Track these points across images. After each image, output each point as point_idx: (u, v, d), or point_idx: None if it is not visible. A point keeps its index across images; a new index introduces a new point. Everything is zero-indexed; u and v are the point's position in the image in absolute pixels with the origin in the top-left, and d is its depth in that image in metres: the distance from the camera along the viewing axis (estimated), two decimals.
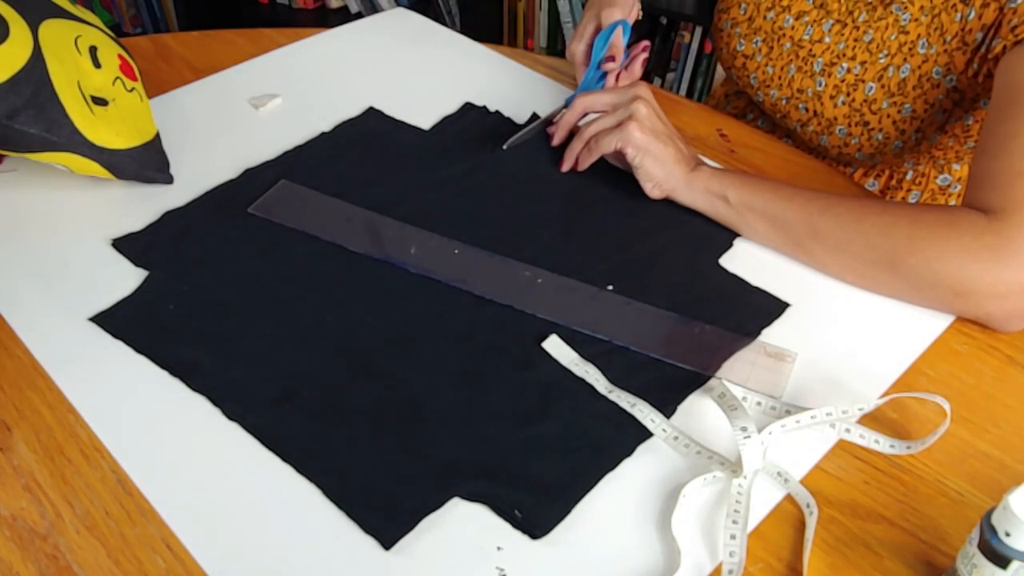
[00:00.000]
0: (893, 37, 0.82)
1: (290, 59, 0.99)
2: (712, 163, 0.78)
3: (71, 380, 0.61)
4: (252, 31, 1.05)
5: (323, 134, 0.85)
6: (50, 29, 0.74)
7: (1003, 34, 0.72)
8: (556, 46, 2.24)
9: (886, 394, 0.61)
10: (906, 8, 0.81)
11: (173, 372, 0.61)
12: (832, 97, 0.87)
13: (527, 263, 0.70)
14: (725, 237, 0.73)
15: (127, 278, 0.69)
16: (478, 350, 0.63)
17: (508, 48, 1.02)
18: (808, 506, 0.54)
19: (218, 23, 2.11)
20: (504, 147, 0.82)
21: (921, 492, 0.55)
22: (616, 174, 0.79)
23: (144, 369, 0.62)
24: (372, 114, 0.89)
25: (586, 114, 0.81)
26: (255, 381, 0.61)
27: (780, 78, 0.91)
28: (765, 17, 0.92)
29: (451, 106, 0.90)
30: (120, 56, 0.80)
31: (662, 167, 0.74)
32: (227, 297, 0.67)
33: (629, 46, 0.90)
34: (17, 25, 0.71)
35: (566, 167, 0.80)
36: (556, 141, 0.82)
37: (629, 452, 0.57)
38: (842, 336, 0.65)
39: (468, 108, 0.90)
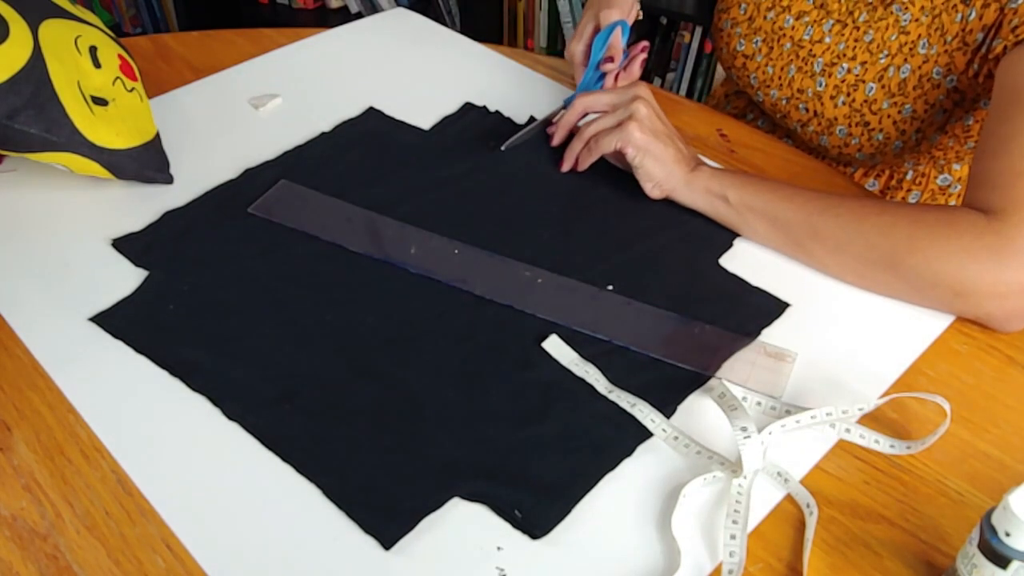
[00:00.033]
0: (893, 37, 0.82)
1: (290, 59, 0.99)
2: (712, 163, 0.78)
3: (71, 380, 0.61)
4: (252, 31, 1.05)
5: (323, 134, 0.85)
6: (50, 29, 0.74)
7: (1004, 34, 0.72)
8: (556, 46, 2.24)
9: (886, 394, 0.61)
10: (906, 8, 0.81)
11: (173, 372, 0.61)
12: (832, 97, 0.87)
13: (527, 263, 0.70)
14: (725, 237, 0.73)
15: (127, 278, 0.69)
16: (478, 350, 0.63)
17: (508, 48, 1.02)
18: (808, 506, 0.54)
19: (218, 23, 2.10)
20: (502, 148, 0.82)
21: (921, 492, 0.55)
22: (616, 174, 0.79)
23: (144, 369, 0.62)
24: (372, 114, 0.89)
25: (586, 114, 0.81)
26: (255, 381, 0.61)
27: (780, 78, 0.91)
28: (765, 17, 0.92)
29: (451, 106, 0.90)
30: (120, 56, 0.80)
31: (662, 167, 0.74)
32: (227, 297, 0.67)
33: (628, 46, 0.90)
34: (17, 25, 0.71)
35: (566, 167, 0.80)
36: (556, 141, 0.82)
37: (629, 452, 0.57)
38: (842, 336, 0.65)
39: (468, 108, 0.90)
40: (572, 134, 0.81)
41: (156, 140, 0.80)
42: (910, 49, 0.81)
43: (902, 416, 0.60)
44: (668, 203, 0.76)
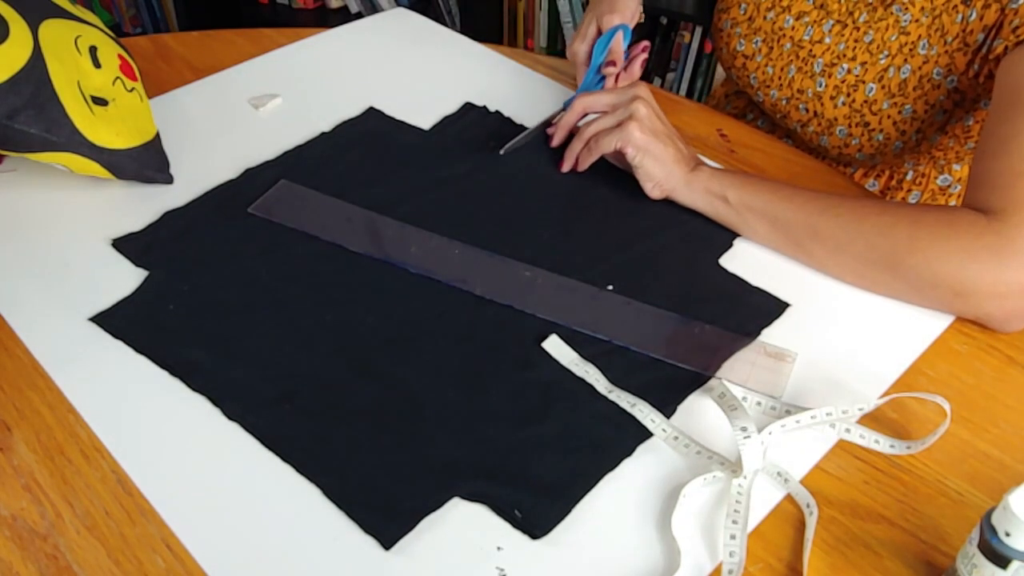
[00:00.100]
0: (894, 38, 0.82)
1: (290, 59, 0.99)
2: (712, 163, 0.78)
3: (71, 380, 0.61)
4: (252, 31, 1.05)
5: (323, 134, 0.85)
6: (50, 29, 0.74)
7: (1004, 35, 0.72)
8: (556, 46, 2.24)
9: (886, 394, 0.61)
10: (907, 9, 0.81)
11: (173, 372, 0.61)
12: (832, 98, 0.87)
13: (527, 263, 0.70)
14: (725, 237, 0.73)
15: (127, 278, 0.69)
16: (478, 350, 0.63)
17: (508, 48, 1.02)
18: (808, 506, 0.54)
19: (218, 23, 2.11)
20: (501, 152, 0.82)
21: (921, 492, 0.55)
22: (616, 174, 0.79)
23: (144, 369, 0.62)
24: (372, 114, 0.89)
25: (586, 114, 0.81)
26: (255, 381, 0.61)
27: (780, 78, 0.91)
28: (765, 17, 0.92)
29: (451, 106, 0.90)
30: (120, 56, 0.80)
31: (662, 167, 0.74)
32: (227, 297, 0.67)
33: (629, 47, 0.90)
34: (17, 25, 0.71)
35: (566, 167, 0.80)
36: (556, 142, 0.82)
37: (629, 452, 0.57)
38: (842, 336, 0.65)
39: (468, 108, 0.90)
40: (572, 134, 0.81)
41: (156, 140, 0.80)
42: (910, 50, 0.81)
43: (902, 416, 0.60)
44: (668, 203, 0.76)
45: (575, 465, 0.56)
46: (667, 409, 0.59)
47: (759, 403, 0.60)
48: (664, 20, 2.04)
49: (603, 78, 0.88)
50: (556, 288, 0.68)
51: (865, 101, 0.85)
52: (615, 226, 0.75)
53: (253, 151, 0.83)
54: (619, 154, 0.75)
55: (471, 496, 0.54)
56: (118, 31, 2.40)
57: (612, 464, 0.56)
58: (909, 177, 0.94)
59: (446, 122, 0.88)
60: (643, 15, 0.95)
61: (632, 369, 0.62)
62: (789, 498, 0.55)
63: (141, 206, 0.76)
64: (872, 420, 0.59)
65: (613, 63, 0.87)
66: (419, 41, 1.03)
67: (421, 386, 0.60)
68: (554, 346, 0.63)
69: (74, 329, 0.65)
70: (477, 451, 0.56)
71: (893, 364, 0.63)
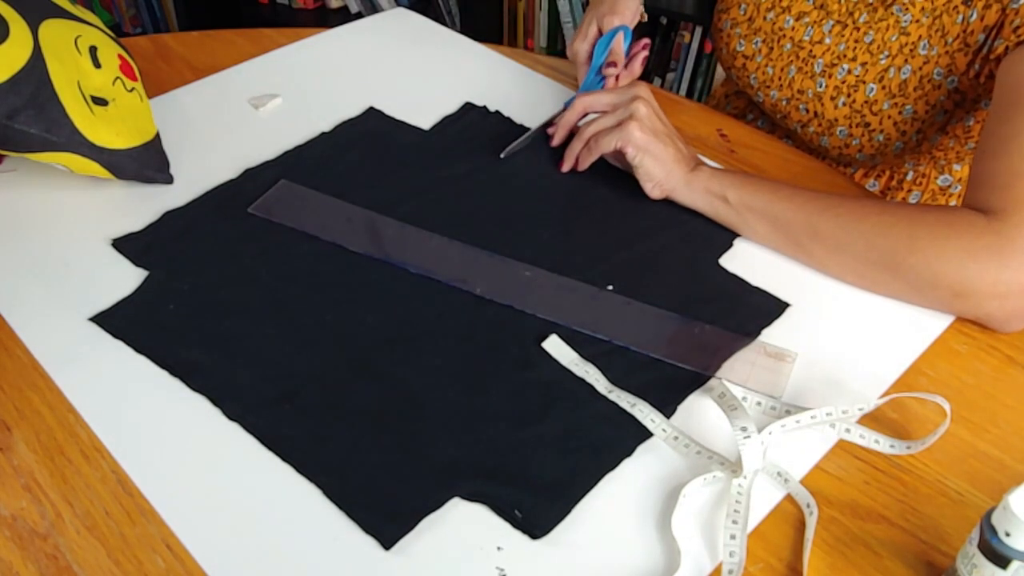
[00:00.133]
0: (894, 38, 0.82)
1: (290, 59, 0.99)
2: (712, 163, 0.78)
3: (71, 380, 0.61)
4: (252, 31, 1.05)
5: (323, 134, 0.85)
6: (50, 29, 0.74)
7: (1005, 35, 0.72)
8: (556, 46, 2.24)
9: (886, 394, 0.61)
10: (907, 9, 0.81)
11: (173, 372, 0.61)
12: (833, 98, 0.87)
13: (527, 263, 0.70)
14: (725, 237, 0.73)
15: (127, 278, 0.69)
16: (478, 350, 0.63)
17: (508, 48, 1.02)
18: (808, 506, 0.54)
19: (218, 23, 2.11)
20: (501, 156, 0.82)
21: (921, 492, 0.55)
22: (616, 174, 0.79)
23: (144, 369, 0.62)
24: (372, 114, 0.89)
25: (586, 114, 0.81)
26: (255, 381, 0.61)
27: (780, 79, 0.91)
28: (765, 18, 0.92)
29: (451, 106, 0.90)
30: (120, 56, 0.80)
31: (662, 167, 0.74)
32: (227, 297, 0.67)
33: (629, 47, 0.90)
34: (17, 25, 0.71)
35: (566, 167, 0.80)
36: (556, 141, 0.82)
37: (629, 452, 0.57)
38: (842, 336, 0.65)
39: (468, 108, 0.90)
40: (572, 134, 0.81)
41: (156, 140, 0.80)
42: (911, 50, 0.81)
43: (902, 416, 0.60)
44: (668, 203, 0.76)
45: (575, 465, 0.56)
46: (667, 409, 0.59)
47: (759, 403, 0.60)
48: (664, 20, 2.04)
49: (604, 79, 0.88)
50: (556, 288, 0.68)
51: (865, 101, 0.85)
52: (615, 226, 0.75)
53: (253, 151, 0.83)
54: (619, 154, 0.75)
55: (471, 496, 0.54)
56: (118, 31, 2.40)
57: (612, 464, 0.56)
58: (909, 177, 0.94)
59: (446, 122, 0.88)
60: (645, 15, 0.95)
61: (632, 369, 0.62)
62: (789, 498, 0.55)
63: (141, 206, 0.76)
64: (872, 420, 0.59)
65: (614, 64, 0.87)
66: (419, 41, 1.03)
67: (421, 386, 0.60)
68: (554, 346, 0.63)
69: (74, 329, 0.65)
70: (477, 451, 0.56)
71: (893, 364, 0.63)
